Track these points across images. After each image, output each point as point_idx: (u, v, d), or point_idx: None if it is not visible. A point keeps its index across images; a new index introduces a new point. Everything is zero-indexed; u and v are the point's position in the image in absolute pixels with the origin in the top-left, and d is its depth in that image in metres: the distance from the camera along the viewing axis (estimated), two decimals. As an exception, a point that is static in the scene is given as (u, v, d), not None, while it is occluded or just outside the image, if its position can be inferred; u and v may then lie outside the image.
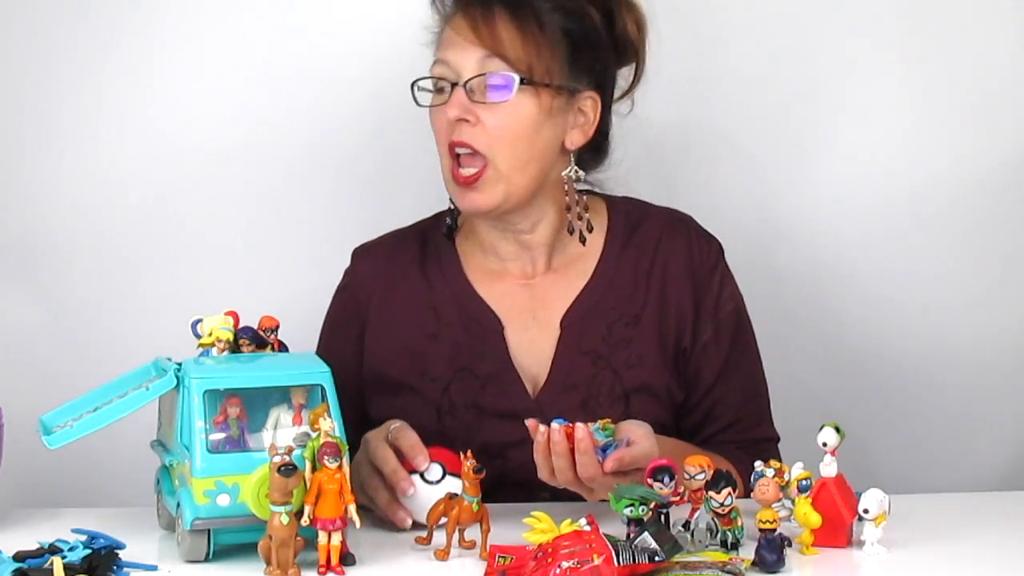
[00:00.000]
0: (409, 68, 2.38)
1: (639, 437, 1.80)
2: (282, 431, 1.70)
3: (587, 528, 1.60)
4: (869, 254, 2.49)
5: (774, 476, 1.73)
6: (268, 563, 1.63)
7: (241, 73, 2.40)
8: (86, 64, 2.37)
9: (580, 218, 2.07)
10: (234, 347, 1.81)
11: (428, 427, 1.95)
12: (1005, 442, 2.53)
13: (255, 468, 1.65)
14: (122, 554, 1.68)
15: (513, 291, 2.09)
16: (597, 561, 1.55)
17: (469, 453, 1.70)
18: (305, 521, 1.62)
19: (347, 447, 1.65)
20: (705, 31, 2.41)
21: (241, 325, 1.82)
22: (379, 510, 1.84)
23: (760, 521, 1.65)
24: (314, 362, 1.76)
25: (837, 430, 1.73)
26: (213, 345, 1.80)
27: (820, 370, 2.49)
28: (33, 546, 1.66)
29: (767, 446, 2.10)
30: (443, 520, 1.72)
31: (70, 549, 1.65)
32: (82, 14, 2.36)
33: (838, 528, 1.73)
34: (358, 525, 1.65)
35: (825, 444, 1.73)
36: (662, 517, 1.71)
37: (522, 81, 1.97)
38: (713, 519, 1.71)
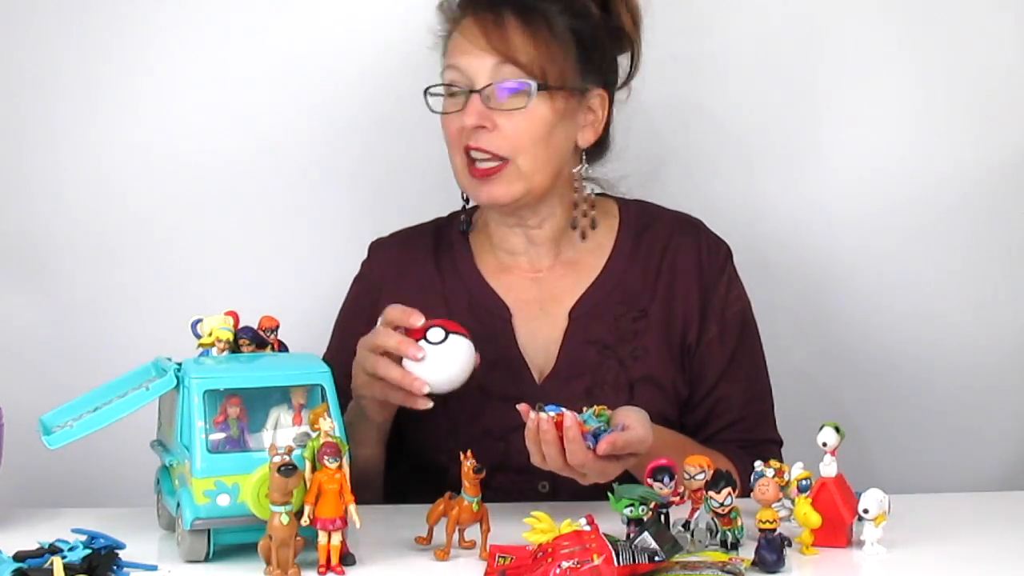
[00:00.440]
0: (409, 68, 2.39)
1: (633, 423, 1.82)
2: (282, 431, 1.70)
3: (587, 528, 1.60)
4: (869, 254, 2.49)
5: (774, 476, 1.73)
6: (268, 563, 1.63)
7: (241, 74, 2.40)
8: (87, 64, 2.37)
9: (585, 215, 2.11)
10: (234, 347, 1.81)
11: (433, 408, 1.98)
12: (1005, 442, 2.53)
13: (255, 468, 1.65)
14: (122, 554, 1.68)
15: (522, 283, 2.13)
16: (597, 561, 1.55)
17: (469, 453, 1.70)
18: (305, 521, 1.62)
19: (347, 447, 1.65)
20: (705, 31, 2.41)
21: (241, 325, 1.82)
22: (393, 390, 1.88)
23: (760, 521, 1.65)
24: (314, 362, 1.76)
25: (837, 430, 1.73)
26: (213, 345, 1.80)
27: (820, 370, 2.49)
28: (33, 546, 1.66)
29: (770, 448, 2.11)
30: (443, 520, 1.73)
31: (70, 549, 1.65)
32: (82, 14, 2.36)
33: (838, 528, 1.73)
34: (358, 525, 1.65)
35: (825, 444, 1.73)
36: (662, 517, 1.71)
37: (538, 87, 2.00)
38: (713, 519, 1.71)
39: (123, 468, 2.20)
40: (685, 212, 2.18)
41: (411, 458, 2.09)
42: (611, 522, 1.66)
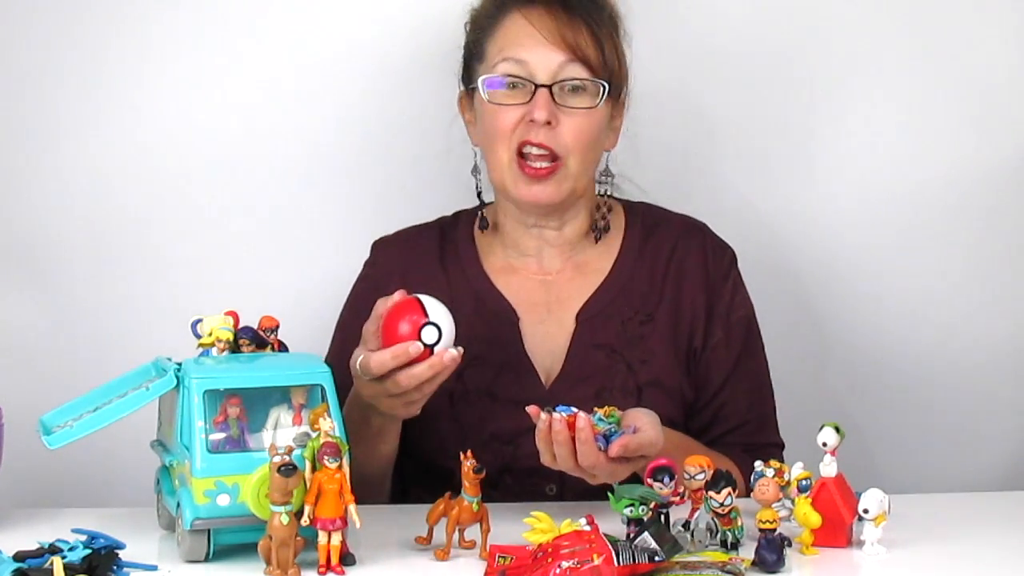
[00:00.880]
0: (409, 68, 2.40)
1: (645, 425, 1.82)
2: (282, 431, 1.70)
3: (587, 528, 1.60)
4: (869, 254, 2.49)
5: (774, 476, 1.73)
6: (268, 563, 1.63)
7: (241, 75, 2.40)
8: (87, 64, 2.37)
9: (603, 218, 2.12)
10: (234, 347, 1.81)
11: (441, 412, 2.00)
12: (1005, 442, 2.52)
13: (255, 468, 1.65)
14: (122, 554, 1.68)
15: (529, 286, 2.12)
16: (597, 561, 1.55)
17: (469, 453, 1.70)
18: (305, 521, 1.62)
19: (347, 447, 1.66)
20: (705, 32, 2.41)
21: (241, 325, 1.82)
22: (430, 383, 1.86)
23: (760, 521, 1.65)
24: (314, 362, 1.76)
25: (837, 430, 1.73)
26: (213, 345, 1.80)
27: (819, 369, 2.49)
28: (33, 546, 1.66)
29: (772, 451, 2.11)
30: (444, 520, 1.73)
31: (70, 549, 1.65)
32: (82, 14, 2.36)
33: (838, 528, 1.73)
34: (358, 525, 1.65)
35: (825, 444, 1.73)
36: (662, 517, 1.71)
37: (607, 89, 2.01)
38: (713, 519, 1.71)
39: (123, 468, 2.20)
40: (689, 215, 2.18)
41: (417, 461, 2.09)
42: (611, 522, 1.66)
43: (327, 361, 2.10)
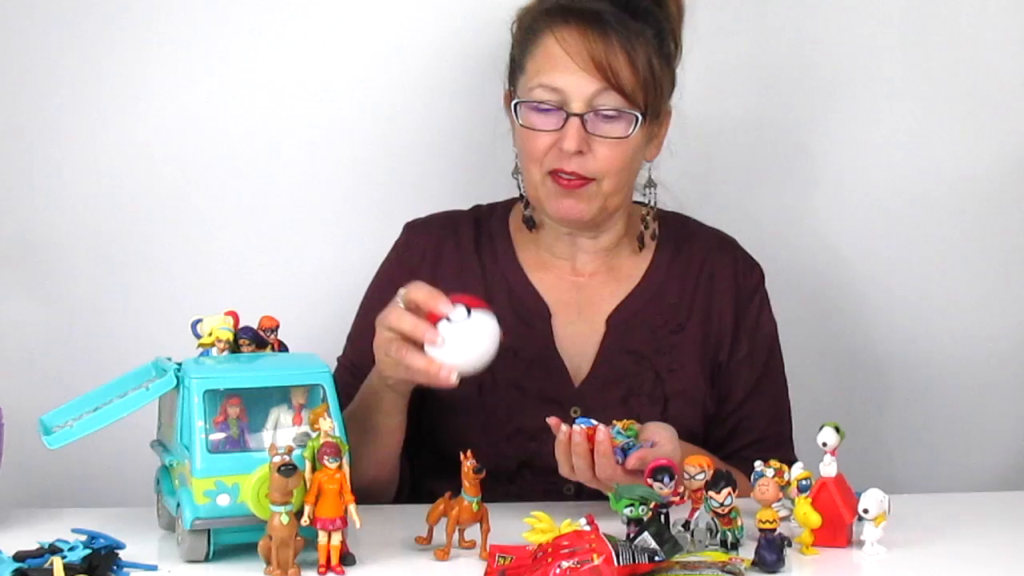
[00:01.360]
0: (409, 68, 2.40)
1: (663, 439, 1.83)
2: (282, 431, 1.70)
3: (587, 528, 1.60)
4: (869, 254, 2.49)
5: (774, 476, 1.73)
6: (268, 563, 1.63)
7: (241, 75, 2.40)
8: (87, 63, 2.37)
9: (647, 227, 2.12)
10: (234, 347, 1.81)
11: (468, 400, 2.01)
12: (1005, 442, 2.52)
13: (255, 468, 1.65)
14: (122, 554, 1.68)
15: (562, 285, 2.12)
16: (597, 561, 1.55)
17: (469, 453, 1.70)
18: (305, 521, 1.62)
19: (347, 447, 1.66)
20: (705, 31, 2.40)
21: (241, 325, 1.82)
22: (419, 376, 1.83)
23: (760, 521, 1.65)
24: (314, 362, 1.76)
25: (837, 430, 1.73)
26: (213, 345, 1.80)
27: (820, 369, 2.49)
28: (33, 546, 1.66)
29: None
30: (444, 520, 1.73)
31: (70, 549, 1.65)
32: (82, 14, 2.36)
33: (838, 528, 1.73)
34: (358, 525, 1.65)
35: (825, 444, 1.73)
36: (662, 517, 1.71)
37: (640, 121, 2.00)
38: (713, 519, 1.71)
39: (123, 468, 2.20)
40: (720, 229, 2.19)
41: (436, 452, 2.07)
42: (611, 522, 1.66)
43: (348, 341, 2.12)
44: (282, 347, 1.83)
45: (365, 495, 1.72)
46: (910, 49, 2.46)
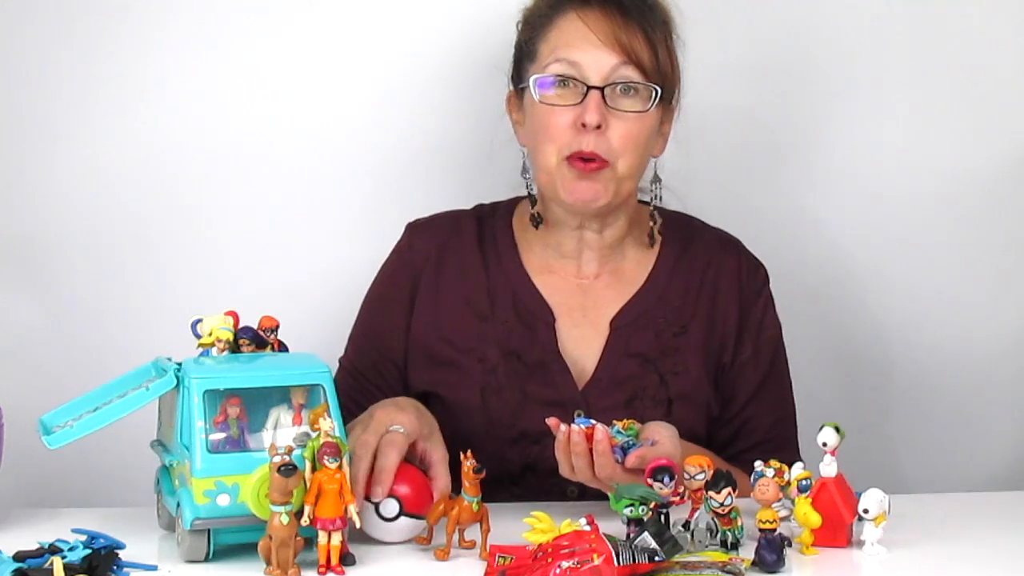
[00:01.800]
0: (409, 68, 2.40)
1: (663, 438, 1.83)
2: (282, 431, 1.70)
3: (587, 528, 1.60)
4: (869, 254, 2.49)
5: (774, 476, 1.73)
6: (268, 563, 1.63)
7: (240, 74, 2.40)
8: (87, 63, 2.37)
9: (655, 221, 2.12)
10: (234, 347, 1.81)
11: (471, 404, 2.01)
12: (1005, 442, 2.52)
13: (255, 468, 1.65)
14: (122, 554, 1.68)
15: (566, 287, 2.12)
16: (597, 561, 1.55)
17: (469, 453, 1.70)
18: (305, 521, 1.62)
19: (347, 447, 1.65)
20: (715, 29, 2.40)
21: (241, 325, 1.82)
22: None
23: (760, 521, 1.65)
24: (314, 362, 1.76)
25: (837, 430, 1.73)
26: (213, 345, 1.80)
27: (820, 369, 2.49)
28: (33, 546, 1.66)
29: None
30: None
31: (70, 549, 1.65)
32: (82, 14, 2.36)
33: (838, 528, 1.73)
34: (358, 525, 1.65)
35: (825, 444, 1.73)
36: (662, 517, 1.71)
37: (660, 95, 2.00)
38: (713, 519, 1.71)
39: (123, 468, 2.20)
40: (723, 229, 2.19)
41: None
42: (611, 522, 1.66)
43: (350, 341, 2.11)
44: (282, 347, 1.83)
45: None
46: (911, 46, 2.45)
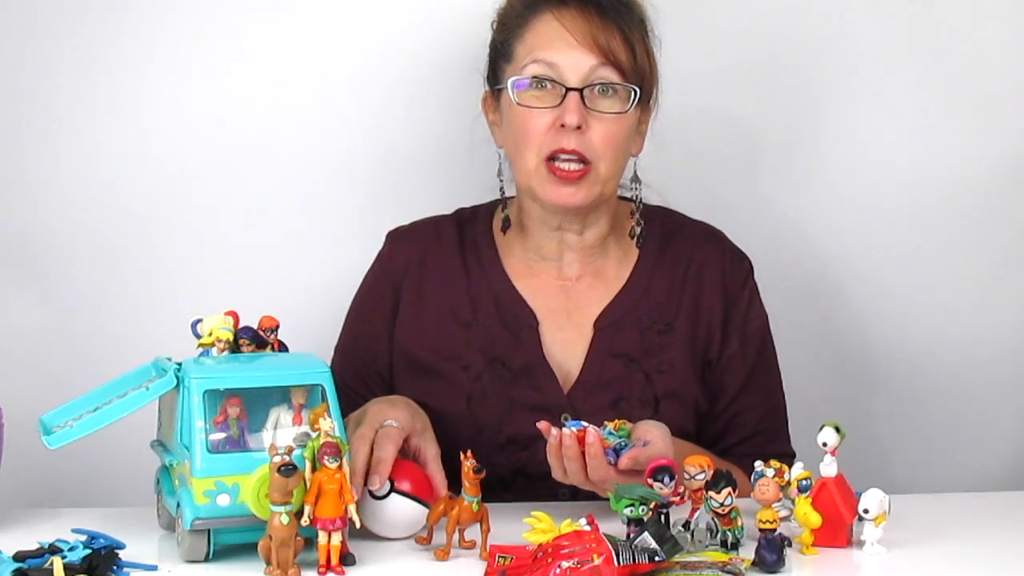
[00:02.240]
0: (409, 67, 2.40)
1: (656, 438, 1.82)
2: (282, 431, 1.70)
3: (587, 528, 1.60)
4: (869, 254, 2.49)
5: (774, 476, 1.73)
6: (268, 563, 1.63)
7: (240, 75, 2.40)
8: (87, 64, 2.37)
9: (639, 224, 2.12)
10: (234, 347, 1.81)
11: (457, 413, 2.00)
12: (1005, 442, 2.52)
13: (255, 468, 1.65)
14: (122, 554, 1.68)
15: (549, 290, 2.11)
16: (597, 561, 1.55)
17: (469, 453, 1.70)
18: (305, 521, 1.62)
19: (347, 447, 1.65)
20: (706, 31, 2.40)
21: (241, 325, 1.82)
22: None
23: (760, 521, 1.65)
24: (314, 362, 1.76)
25: (837, 430, 1.73)
26: (213, 345, 1.80)
27: (820, 369, 2.49)
28: (33, 546, 1.66)
29: (784, 462, 2.10)
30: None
31: (70, 549, 1.65)
32: (83, 12, 2.36)
33: (838, 528, 1.73)
34: (358, 525, 1.65)
35: (825, 444, 1.73)
36: (662, 517, 1.71)
37: (639, 95, 2.00)
38: (713, 519, 1.71)
39: (123, 468, 2.20)
40: (706, 222, 2.18)
41: None
42: (611, 522, 1.66)
43: (336, 352, 2.12)
44: (282, 347, 1.83)
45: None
46: (908, 46, 2.45)
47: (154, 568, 1.68)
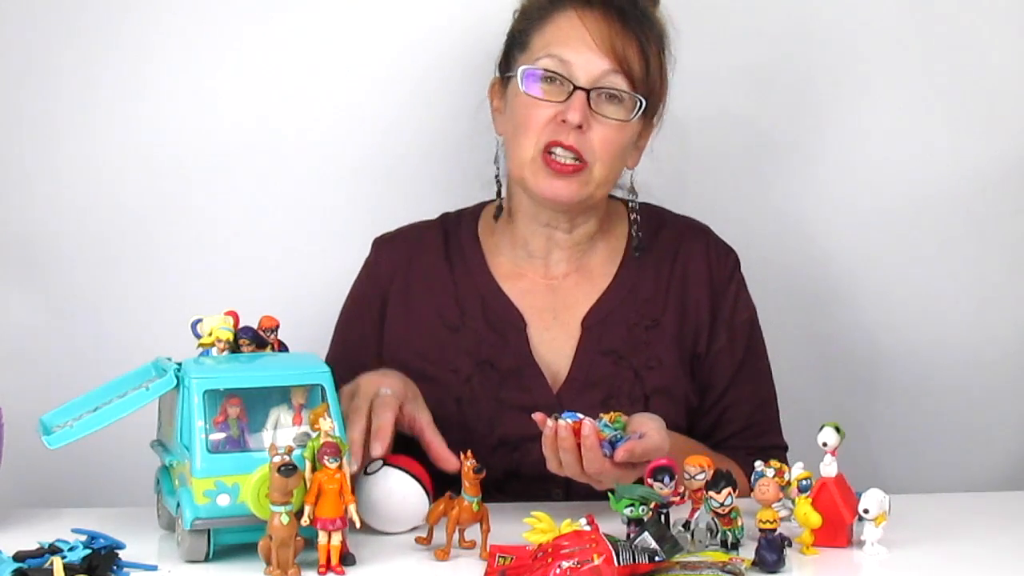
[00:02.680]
0: (409, 66, 2.40)
1: (651, 430, 1.82)
2: (282, 431, 1.70)
3: (587, 528, 1.60)
4: (870, 254, 2.49)
5: (774, 476, 1.73)
6: (268, 563, 1.63)
7: (241, 72, 2.40)
8: (87, 62, 2.37)
9: (639, 232, 2.12)
10: (234, 347, 1.81)
11: (448, 416, 2.00)
12: (1005, 442, 2.52)
13: (255, 468, 1.65)
14: (122, 554, 1.68)
15: (535, 290, 2.11)
16: (597, 561, 1.55)
17: (469, 453, 1.70)
18: (305, 521, 1.62)
19: (347, 447, 1.65)
20: (707, 30, 2.40)
21: (241, 325, 1.82)
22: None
23: (760, 521, 1.65)
24: (314, 362, 1.76)
25: (837, 430, 1.73)
26: (213, 345, 1.80)
27: (820, 369, 2.49)
28: (33, 546, 1.66)
29: (776, 454, 2.11)
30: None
31: (70, 549, 1.65)
32: (82, 12, 2.36)
33: (838, 528, 1.73)
34: (358, 525, 1.65)
35: (825, 444, 1.73)
36: (662, 517, 1.71)
37: (644, 106, 2.00)
38: (713, 519, 1.71)
39: (123, 468, 2.20)
40: (691, 216, 2.18)
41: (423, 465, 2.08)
42: (611, 522, 1.66)
43: (327, 362, 2.12)
44: (282, 347, 1.83)
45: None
46: (910, 47, 2.45)
47: (154, 568, 1.68)
